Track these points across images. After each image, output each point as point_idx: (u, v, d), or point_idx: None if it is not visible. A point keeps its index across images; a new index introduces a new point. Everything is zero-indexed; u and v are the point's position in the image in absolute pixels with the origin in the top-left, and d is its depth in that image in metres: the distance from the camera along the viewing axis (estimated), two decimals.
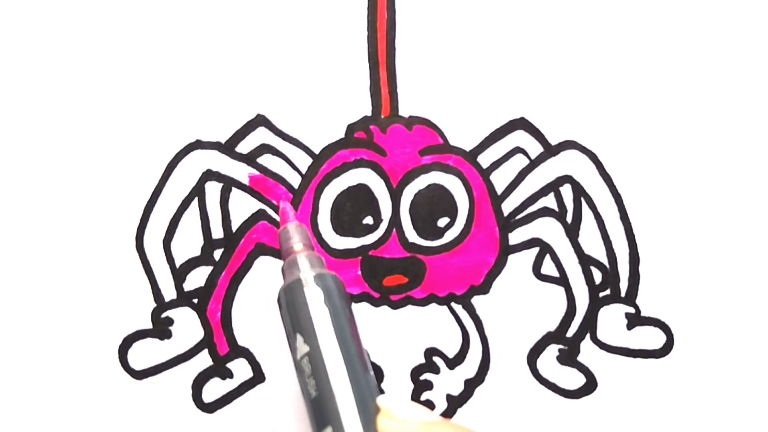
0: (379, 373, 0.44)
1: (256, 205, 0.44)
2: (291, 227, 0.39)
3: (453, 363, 0.44)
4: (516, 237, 0.44)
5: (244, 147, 0.43)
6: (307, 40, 0.43)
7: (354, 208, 0.44)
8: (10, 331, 0.43)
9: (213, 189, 0.43)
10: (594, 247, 0.44)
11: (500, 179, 0.44)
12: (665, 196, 0.44)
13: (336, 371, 0.34)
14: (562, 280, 0.44)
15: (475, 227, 0.44)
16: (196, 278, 0.44)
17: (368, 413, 0.33)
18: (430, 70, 0.43)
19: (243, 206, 0.44)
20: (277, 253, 0.44)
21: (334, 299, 0.36)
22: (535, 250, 0.44)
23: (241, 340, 0.44)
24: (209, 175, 0.43)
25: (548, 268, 0.44)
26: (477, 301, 0.44)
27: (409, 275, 0.44)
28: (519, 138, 0.44)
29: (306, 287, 0.36)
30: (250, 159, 0.43)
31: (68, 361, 0.43)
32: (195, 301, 0.44)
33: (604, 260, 0.44)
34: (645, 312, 0.44)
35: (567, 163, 0.44)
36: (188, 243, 0.43)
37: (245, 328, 0.44)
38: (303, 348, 0.35)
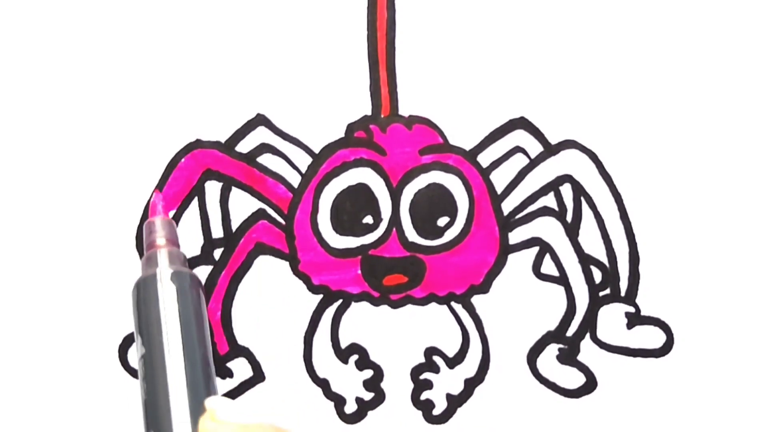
0: (379, 373, 0.44)
1: (255, 204, 0.44)
2: (156, 221, 0.38)
3: (453, 362, 0.44)
4: (516, 236, 0.44)
5: (244, 146, 0.43)
6: (307, 39, 0.43)
7: (354, 208, 0.44)
8: (11, 331, 0.43)
9: (213, 188, 0.43)
10: (594, 247, 0.44)
11: (500, 178, 0.44)
12: (665, 196, 0.44)
13: (169, 375, 0.32)
14: (562, 280, 0.44)
15: (475, 226, 0.44)
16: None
17: (197, 418, 0.32)
18: (430, 70, 0.43)
19: (243, 205, 0.44)
20: (278, 253, 0.44)
21: (186, 299, 0.34)
22: (535, 249, 0.44)
23: (241, 340, 0.44)
24: (209, 174, 0.43)
25: (548, 267, 0.44)
26: (477, 300, 0.44)
27: (409, 274, 0.44)
28: (519, 137, 0.44)
29: (159, 283, 0.34)
30: (250, 158, 0.43)
31: (68, 361, 0.43)
32: None
33: (604, 259, 0.44)
34: (645, 311, 0.44)
35: (567, 162, 0.44)
36: (188, 242, 0.43)
37: (245, 327, 0.44)
38: (141, 349, 0.33)
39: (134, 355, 0.43)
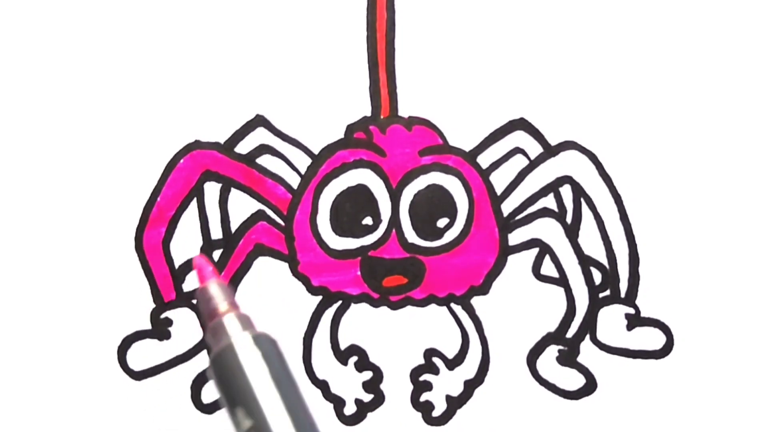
0: (378, 374, 0.44)
1: (255, 205, 0.44)
2: (211, 285, 0.33)
3: (452, 364, 0.44)
4: (516, 237, 0.44)
5: (244, 147, 0.43)
6: (307, 40, 0.43)
7: (353, 209, 0.44)
8: (10, 332, 0.43)
9: (212, 189, 0.43)
10: (594, 248, 0.44)
11: (500, 180, 0.44)
12: (665, 197, 0.44)
13: None
14: (562, 281, 0.44)
15: (475, 228, 0.44)
16: (196, 279, 0.44)
17: None
18: (430, 71, 0.43)
19: (242, 207, 0.43)
20: (277, 254, 0.44)
21: (274, 363, 0.32)
22: (535, 250, 0.44)
23: None
24: (208, 175, 0.43)
25: (548, 268, 0.44)
26: (477, 301, 0.44)
27: (409, 276, 0.44)
28: (518, 138, 0.44)
29: (240, 352, 0.31)
30: (249, 159, 0.43)
31: (67, 362, 0.43)
32: (194, 301, 0.44)
33: (604, 261, 0.44)
34: (645, 313, 0.44)
35: (567, 163, 0.44)
36: (187, 243, 0.43)
37: None
38: (245, 423, 0.31)
39: (136, 357, 0.43)
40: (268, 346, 0.32)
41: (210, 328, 0.32)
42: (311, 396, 0.44)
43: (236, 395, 0.31)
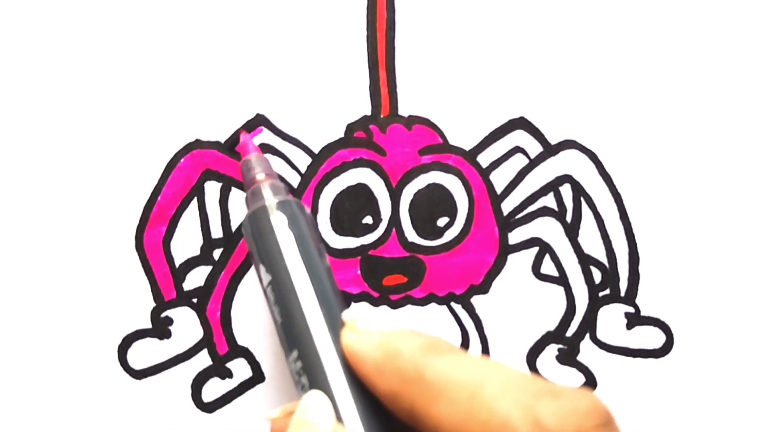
0: None
1: None
2: (252, 158, 0.40)
3: None
4: (515, 236, 0.44)
5: (244, 146, 0.43)
6: (307, 39, 0.43)
7: (353, 208, 0.44)
8: (10, 331, 0.43)
9: (212, 188, 0.43)
10: (593, 247, 0.44)
11: (500, 179, 0.44)
12: (665, 196, 0.44)
13: (299, 294, 0.33)
14: (562, 280, 0.44)
15: (475, 227, 0.44)
16: (196, 278, 0.44)
17: (337, 332, 0.32)
18: (430, 70, 0.43)
19: (242, 206, 0.43)
20: None
21: (298, 224, 0.35)
22: (535, 249, 0.44)
23: (241, 340, 0.44)
24: (209, 174, 0.43)
25: (548, 267, 0.44)
26: (476, 300, 0.44)
27: (409, 275, 0.44)
28: (518, 137, 0.44)
29: (270, 214, 0.36)
30: None
31: (68, 361, 0.43)
32: (194, 300, 0.44)
33: (604, 260, 0.44)
34: (644, 312, 0.44)
35: (566, 162, 0.44)
36: (187, 242, 0.43)
37: (245, 327, 0.44)
38: (266, 276, 0.34)
39: (136, 356, 0.43)
40: (294, 211, 0.36)
41: (249, 192, 0.38)
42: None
43: (264, 251, 0.35)
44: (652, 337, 0.44)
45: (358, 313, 0.33)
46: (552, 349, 0.44)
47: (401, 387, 0.29)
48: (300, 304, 0.33)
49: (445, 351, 0.30)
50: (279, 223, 0.35)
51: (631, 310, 0.44)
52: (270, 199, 0.37)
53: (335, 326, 0.33)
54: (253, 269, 0.44)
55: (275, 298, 0.34)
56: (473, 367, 0.29)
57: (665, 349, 0.44)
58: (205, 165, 0.43)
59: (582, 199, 0.44)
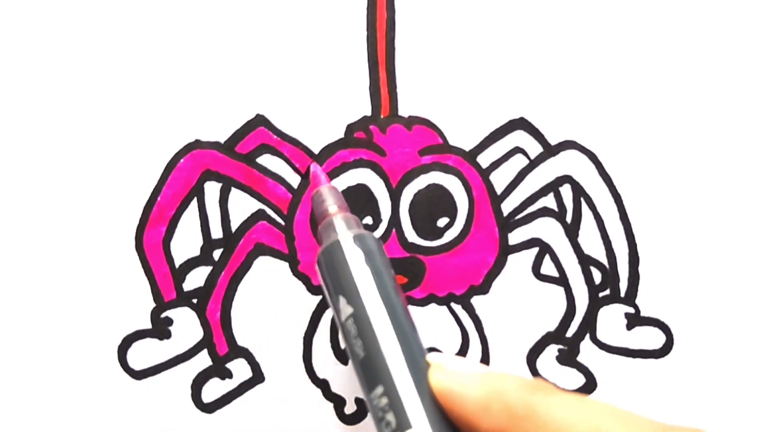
0: None
1: (255, 205, 0.44)
2: (324, 190, 0.39)
3: None
4: (515, 237, 0.44)
5: (244, 147, 0.43)
6: (307, 39, 0.43)
7: (353, 208, 0.43)
8: (10, 331, 0.43)
9: (212, 189, 0.43)
10: (593, 247, 0.44)
11: (500, 179, 0.44)
12: (665, 196, 0.44)
13: (383, 330, 0.33)
14: (562, 280, 0.44)
15: (475, 227, 0.44)
16: (196, 278, 0.44)
17: (419, 370, 0.32)
18: (430, 70, 0.43)
19: (242, 206, 0.43)
20: (277, 253, 0.44)
21: (374, 259, 0.35)
22: (535, 250, 0.44)
23: (241, 340, 0.44)
24: (208, 174, 0.43)
25: (548, 268, 0.44)
26: (476, 301, 0.44)
27: (409, 275, 0.44)
28: (518, 138, 0.44)
29: (345, 248, 0.36)
30: (249, 159, 0.43)
31: (68, 361, 0.43)
32: (194, 301, 0.44)
33: (604, 260, 0.44)
34: (644, 312, 0.44)
35: (566, 163, 0.44)
36: (187, 243, 0.43)
37: (245, 328, 0.44)
38: (347, 309, 0.34)
39: (136, 356, 0.43)
40: (370, 244, 0.36)
41: (322, 226, 0.38)
42: (311, 395, 0.44)
43: (340, 285, 0.35)
44: (652, 338, 0.44)
45: (444, 356, 0.33)
46: (552, 350, 0.44)
47: (510, 424, 0.30)
48: (384, 339, 0.33)
49: (554, 390, 0.30)
50: (354, 258, 0.35)
51: (631, 310, 0.44)
52: (344, 233, 0.36)
53: (417, 364, 0.33)
54: (252, 270, 0.44)
55: (357, 331, 0.34)
56: (589, 406, 0.29)
57: (665, 349, 0.44)
58: (205, 165, 0.43)
59: (582, 199, 0.44)
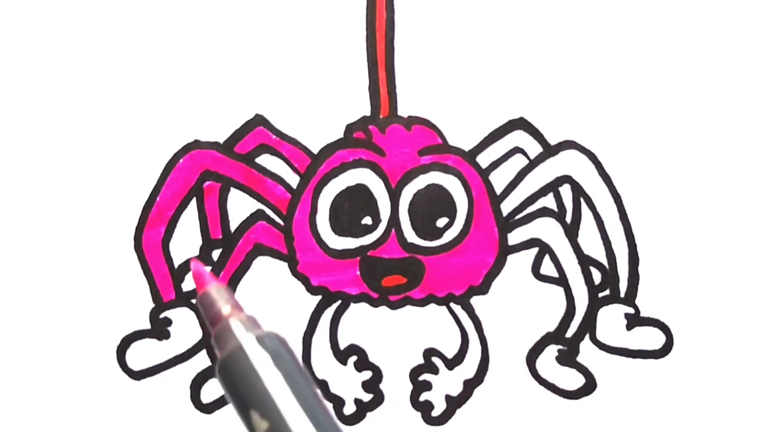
0: (377, 374, 0.44)
1: (254, 205, 0.44)
2: (212, 289, 0.32)
3: (452, 363, 0.44)
4: (515, 237, 0.44)
5: (243, 147, 0.43)
6: (306, 39, 0.43)
7: (353, 209, 0.43)
8: (9, 331, 0.43)
9: (211, 189, 0.43)
10: (593, 248, 0.44)
11: (499, 179, 0.44)
12: (665, 196, 0.44)
13: None
14: (562, 281, 0.44)
15: (474, 227, 0.44)
16: (193, 284, 0.43)
17: None
18: (429, 70, 0.43)
19: (241, 206, 0.43)
20: (276, 253, 0.44)
21: (284, 361, 0.31)
22: (535, 250, 0.44)
23: None
24: (207, 175, 0.43)
25: (547, 268, 0.44)
26: (476, 301, 0.44)
27: (408, 275, 0.44)
28: (518, 138, 0.44)
29: (249, 353, 0.30)
30: (248, 159, 0.43)
31: (66, 362, 0.43)
32: (193, 301, 0.44)
33: (604, 260, 0.44)
34: (644, 312, 0.44)
35: (566, 163, 0.44)
36: (186, 243, 0.43)
37: None
38: (261, 425, 0.30)
39: (135, 357, 0.43)
40: (276, 345, 0.31)
41: (215, 332, 0.31)
42: None
43: (249, 398, 0.30)
44: (652, 338, 0.44)
45: None
46: (552, 350, 0.44)
47: None
48: None
49: None
50: (262, 364, 0.30)
51: (631, 310, 0.44)
52: (244, 337, 0.31)
53: None
54: (252, 270, 0.44)
55: None
56: None
57: (665, 350, 0.44)
58: (204, 165, 0.43)
59: (582, 199, 0.44)
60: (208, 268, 0.36)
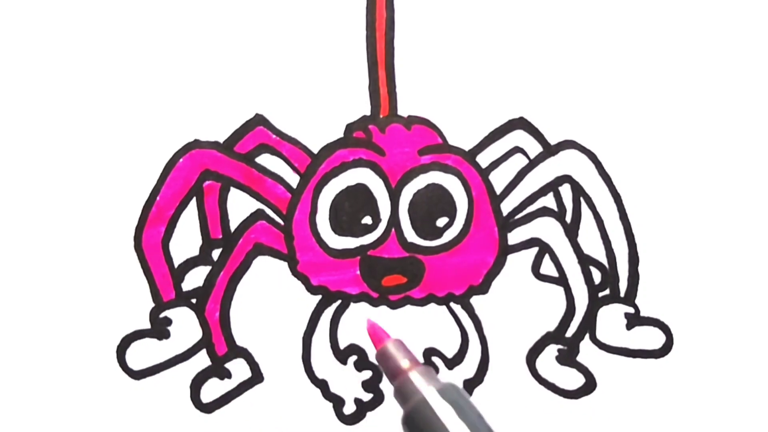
0: (378, 374, 0.44)
1: (254, 204, 0.44)
2: (389, 345, 0.34)
3: (452, 363, 0.44)
4: (515, 237, 0.44)
5: (243, 146, 0.43)
6: (306, 39, 0.43)
7: (353, 208, 0.44)
8: (9, 331, 0.43)
9: (211, 189, 0.43)
10: (593, 247, 0.44)
11: (499, 179, 0.44)
12: (665, 196, 0.44)
13: None
14: (562, 280, 0.44)
15: (474, 227, 0.44)
16: (195, 278, 0.44)
17: None
18: (429, 70, 0.43)
19: (241, 206, 0.43)
20: (276, 253, 0.44)
21: (466, 411, 0.32)
22: (534, 249, 0.44)
23: (240, 340, 0.44)
24: (207, 174, 0.43)
25: (547, 268, 0.44)
26: (476, 301, 0.44)
27: (408, 275, 0.44)
28: (518, 137, 0.44)
29: (434, 406, 0.32)
30: (248, 158, 0.43)
31: (67, 361, 0.43)
32: (193, 301, 0.44)
33: (604, 260, 0.44)
34: (644, 312, 0.44)
35: (566, 162, 0.44)
36: (186, 243, 0.43)
37: (244, 328, 0.44)
38: None
39: (135, 356, 0.43)
40: (457, 397, 0.32)
41: (396, 386, 0.33)
42: (311, 395, 0.44)
43: None
44: (652, 338, 0.44)
45: None
46: (552, 350, 0.44)
47: None
48: None
49: None
50: (447, 415, 0.32)
51: (631, 310, 0.44)
52: (427, 390, 0.33)
53: None
54: (252, 269, 0.44)
55: None
56: None
57: (665, 349, 0.44)
58: (204, 165, 0.43)
59: (581, 199, 0.44)
60: (382, 331, 0.36)
